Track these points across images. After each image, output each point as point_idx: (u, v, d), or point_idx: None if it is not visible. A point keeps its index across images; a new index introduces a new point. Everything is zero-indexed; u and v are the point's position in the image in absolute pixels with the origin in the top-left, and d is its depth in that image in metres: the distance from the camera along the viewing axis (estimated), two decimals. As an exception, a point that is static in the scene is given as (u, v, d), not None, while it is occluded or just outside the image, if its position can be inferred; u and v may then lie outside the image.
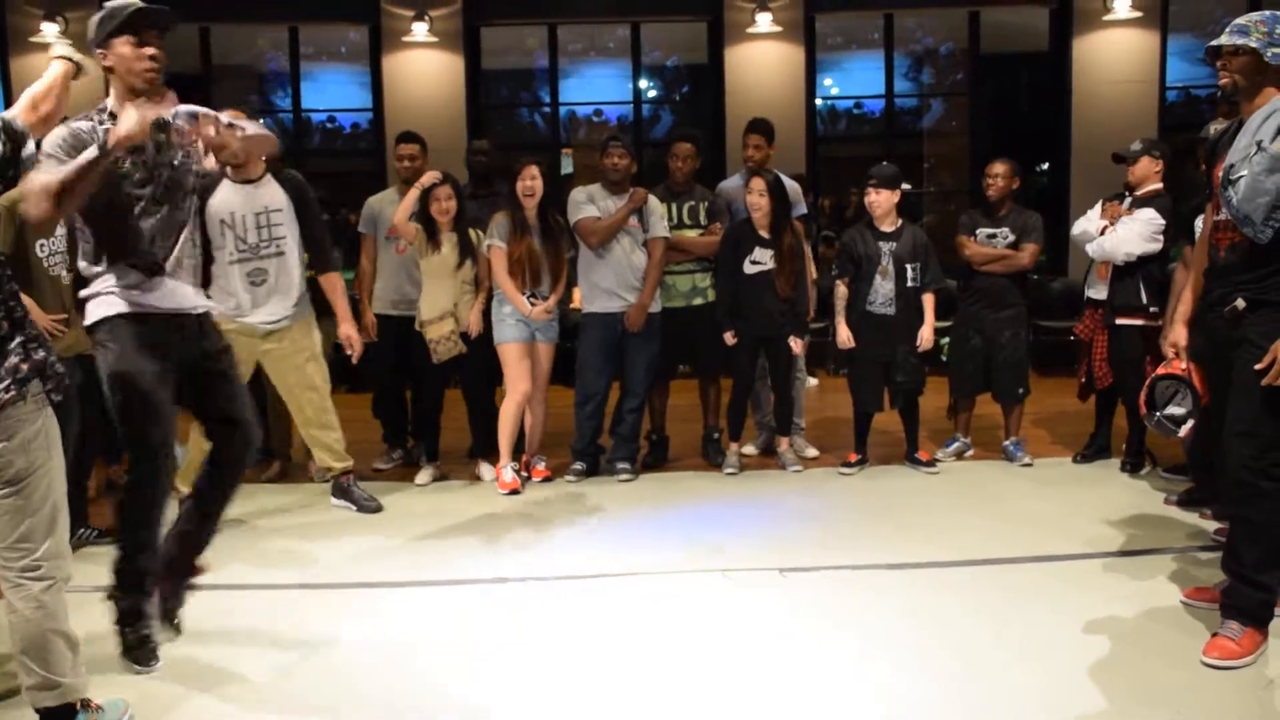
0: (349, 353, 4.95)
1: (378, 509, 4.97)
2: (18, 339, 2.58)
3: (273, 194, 4.66)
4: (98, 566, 4.22)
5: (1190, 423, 3.57)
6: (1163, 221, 5.16)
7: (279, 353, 4.74)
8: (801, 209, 5.89)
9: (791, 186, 5.80)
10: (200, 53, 9.69)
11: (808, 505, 5.01)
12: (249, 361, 4.56)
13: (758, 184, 5.45)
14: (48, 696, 2.69)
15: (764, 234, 5.44)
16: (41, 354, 2.62)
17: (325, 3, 9.55)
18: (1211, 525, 4.45)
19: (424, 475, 5.51)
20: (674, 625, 3.57)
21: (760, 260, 5.45)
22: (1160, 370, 3.66)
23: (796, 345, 5.53)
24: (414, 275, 5.47)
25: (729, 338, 5.49)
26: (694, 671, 3.20)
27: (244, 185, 4.60)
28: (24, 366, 2.56)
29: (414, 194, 5.29)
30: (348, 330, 4.91)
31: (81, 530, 4.47)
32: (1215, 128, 4.27)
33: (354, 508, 5.00)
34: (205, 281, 4.43)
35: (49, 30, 8.83)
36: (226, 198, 4.58)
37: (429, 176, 5.30)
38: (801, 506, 4.99)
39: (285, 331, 4.73)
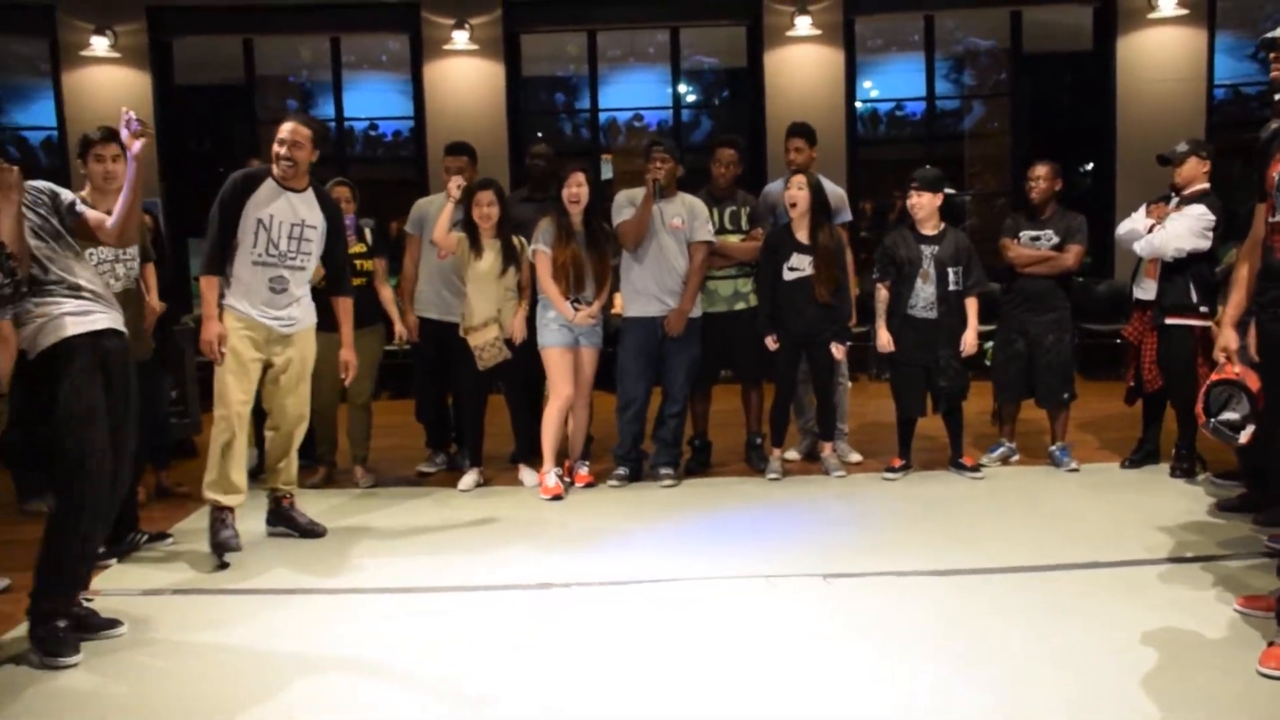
0: (343, 375, 4.81)
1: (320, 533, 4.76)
2: None
3: (312, 210, 4.59)
4: (149, 570, 4.34)
5: (1250, 428, 3.51)
6: (1213, 217, 5.09)
7: (283, 360, 4.60)
8: (846, 216, 5.86)
9: (835, 193, 5.78)
10: (244, 64, 9.82)
11: (851, 511, 4.99)
12: (254, 361, 4.49)
13: (798, 179, 5.44)
14: None
15: (802, 239, 5.42)
16: None
17: (366, 13, 9.64)
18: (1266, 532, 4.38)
19: (467, 481, 5.54)
20: (717, 631, 3.56)
21: (798, 266, 5.43)
22: (1214, 376, 3.60)
23: (838, 351, 5.51)
24: (453, 281, 5.51)
25: (770, 343, 5.48)
26: (736, 677, 3.19)
27: (289, 194, 4.53)
28: None
29: (450, 207, 5.33)
30: (347, 355, 4.79)
31: (132, 535, 4.54)
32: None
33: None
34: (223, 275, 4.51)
35: (98, 44, 9.01)
36: (268, 199, 4.48)
37: (454, 186, 5.30)
38: (845, 512, 4.97)
39: (296, 336, 4.62)
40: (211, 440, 4.47)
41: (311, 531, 4.77)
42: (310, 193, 4.62)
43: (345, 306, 4.84)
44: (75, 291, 3.45)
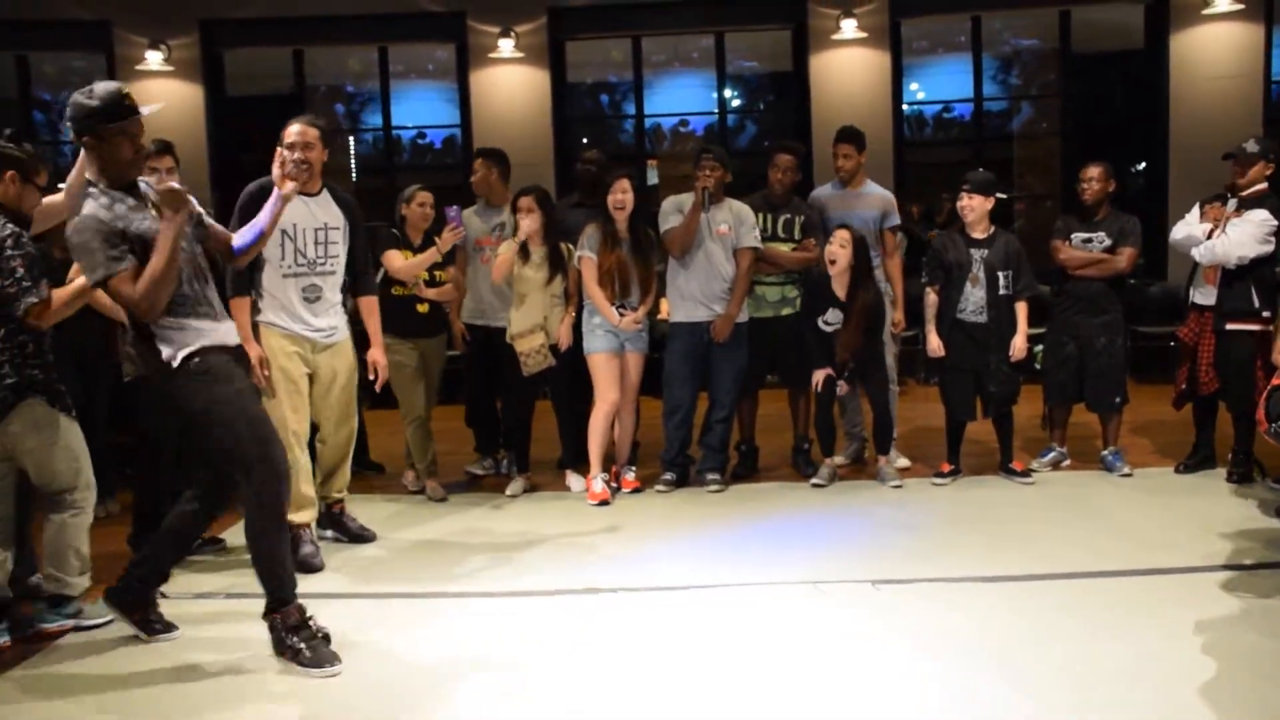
0: (372, 378, 4.74)
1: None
2: None
3: (331, 211, 4.53)
4: (202, 575, 4.40)
5: None
6: (1276, 222, 4.99)
7: (328, 370, 4.55)
8: (894, 220, 5.81)
9: (885, 197, 5.75)
10: (294, 74, 9.97)
11: (900, 516, 4.95)
12: (303, 377, 4.47)
13: (841, 234, 5.37)
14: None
15: (840, 294, 5.38)
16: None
17: (413, 23, 9.74)
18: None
19: (514, 486, 5.57)
20: (764, 637, 3.56)
21: (833, 321, 5.42)
22: (1275, 381, 3.53)
23: (842, 386, 5.47)
24: (501, 288, 5.53)
25: (818, 378, 5.45)
26: (783, 683, 3.18)
27: (305, 199, 4.41)
28: None
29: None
30: (376, 354, 4.70)
31: None
32: None
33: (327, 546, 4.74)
34: (254, 293, 4.44)
35: (153, 58, 9.19)
36: (289, 209, 4.25)
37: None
38: (894, 518, 4.93)
39: (338, 347, 4.57)
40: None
41: (361, 537, 4.82)
42: (326, 194, 4.54)
43: (371, 305, 4.75)
44: (209, 306, 3.49)
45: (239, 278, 4.36)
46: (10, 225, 3.55)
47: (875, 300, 5.45)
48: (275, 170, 3.91)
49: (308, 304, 4.45)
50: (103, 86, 3.39)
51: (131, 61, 9.30)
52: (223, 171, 9.57)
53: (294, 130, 4.35)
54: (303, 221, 4.42)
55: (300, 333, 4.44)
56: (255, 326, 4.40)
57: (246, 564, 4.42)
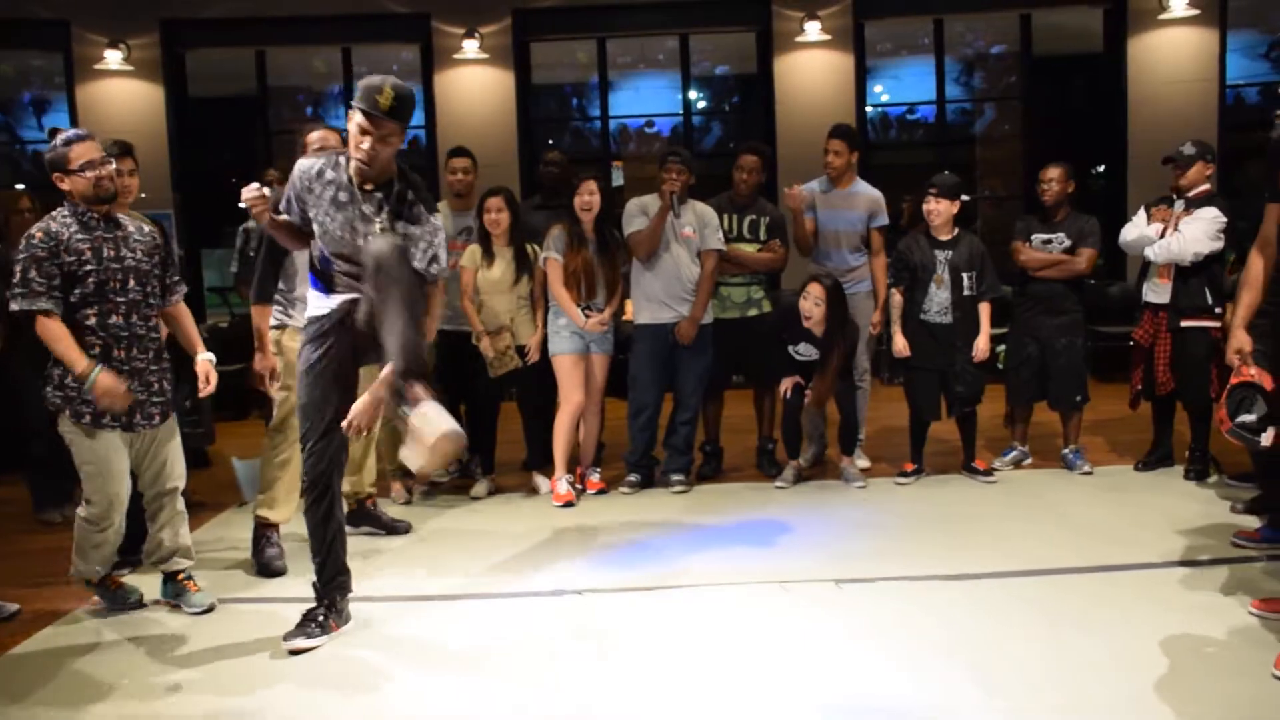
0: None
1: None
2: None
3: None
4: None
5: (1271, 430, 3.48)
6: (1225, 219, 5.07)
7: None
8: (882, 220, 5.82)
9: (873, 198, 5.76)
10: (256, 75, 9.89)
11: (864, 516, 4.98)
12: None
13: (814, 290, 5.34)
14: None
15: (816, 333, 5.38)
16: None
17: (378, 24, 9.68)
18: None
19: (480, 488, 5.56)
20: (729, 636, 3.57)
21: (804, 354, 5.44)
22: (1233, 379, 3.57)
23: (809, 394, 5.48)
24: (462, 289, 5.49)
25: (786, 385, 5.47)
26: (749, 682, 3.19)
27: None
28: None
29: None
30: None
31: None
32: None
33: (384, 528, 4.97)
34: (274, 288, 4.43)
35: (112, 57, 9.08)
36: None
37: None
38: (857, 517, 4.96)
39: None
40: (269, 460, 4.45)
41: (394, 529, 4.94)
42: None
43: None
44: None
45: (262, 285, 4.40)
46: None
47: (851, 342, 5.46)
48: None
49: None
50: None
51: (90, 61, 9.19)
52: (184, 173, 9.48)
53: (318, 134, 4.36)
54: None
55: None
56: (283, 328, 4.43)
57: (211, 566, 4.39)
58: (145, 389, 3.80)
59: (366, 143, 3.31)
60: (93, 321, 3.67)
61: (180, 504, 4.02)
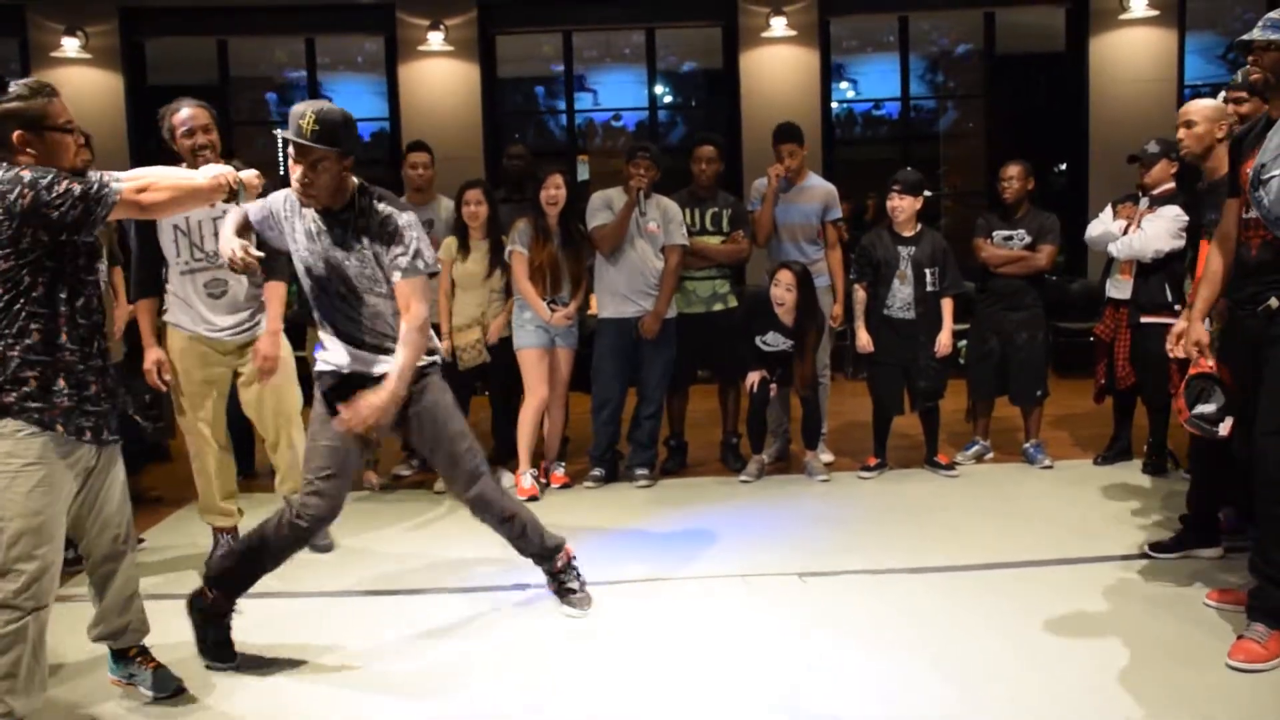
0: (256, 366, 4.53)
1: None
2: None
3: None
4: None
5: (1228, 420, 3.52)
6: (1187, 218, 5.13)
7: (249, 370, 4.32)
8: (836, 213, 5.84)
9: (827, 190, 5.78)
10: (218, 65, 9.76)
11: (827, 510, 5.00)
12: (224, 379, 4.34)
13: (785, 277, 5.34)
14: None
15: (786, 323, 5.37)
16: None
17: (341, 14, 9.59)
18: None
19: (442, 483, 5.51)
20: (693, 631, 3.57)
21: (772, 344, 5.42)
22: (1191, 370, 3.61)
23: (774, 389, 5.50)
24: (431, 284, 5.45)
25: (752, 379, 5.45)
26: (713, 676, 3.20)
27: None
28: None
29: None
30: (262, 343, 4.32)
31: None
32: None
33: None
34: (160, 293, 4.26)
35: (69, 45, 8.93)
36: None
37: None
38: (820, 511, 4.98)
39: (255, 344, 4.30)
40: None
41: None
42: None
43: (273, 290, 4.31)
44: None
45: (141, 280, 4.25)
46: None
47: (821, 326, 5.49)
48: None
49: (212, 300, 4.22)
50: None
51: (46, 48, 9.03)
52: (142, 162, 9.30)
53: (186, 114, 4.13)
54: (196, 213, 4.08)
55: (203, 334, 4.23)
56: (163, 327, 4.28)
57: (169, 563, 4.34)
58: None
59: (298, 170, 3.25)
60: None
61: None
